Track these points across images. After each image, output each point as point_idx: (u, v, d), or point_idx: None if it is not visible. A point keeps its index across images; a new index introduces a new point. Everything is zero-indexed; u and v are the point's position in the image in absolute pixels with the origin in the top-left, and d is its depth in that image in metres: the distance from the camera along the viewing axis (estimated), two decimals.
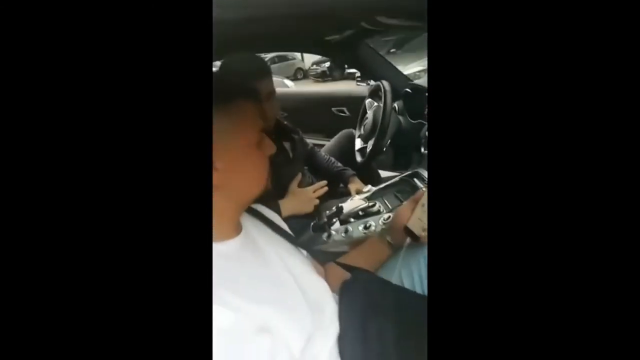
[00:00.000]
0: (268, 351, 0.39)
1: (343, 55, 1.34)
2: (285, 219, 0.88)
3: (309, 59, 10.60)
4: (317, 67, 9.92)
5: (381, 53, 1.31)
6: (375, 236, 0.74)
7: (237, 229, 0.50)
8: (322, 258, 0.71)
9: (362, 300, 0.51)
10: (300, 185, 1.02)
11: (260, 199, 0.61)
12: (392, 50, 7.17)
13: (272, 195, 0.98)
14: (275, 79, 0.95)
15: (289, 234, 0.62)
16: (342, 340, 0.47)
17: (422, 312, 0.39)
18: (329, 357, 0.45)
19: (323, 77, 9.73)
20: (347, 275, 0.62)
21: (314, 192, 0.97)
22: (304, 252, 0.63)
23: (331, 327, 0.49)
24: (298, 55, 10.75)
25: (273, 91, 0.95)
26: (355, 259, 0.69)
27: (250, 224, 0.55)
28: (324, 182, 1.01)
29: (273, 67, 9.90)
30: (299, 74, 10.57)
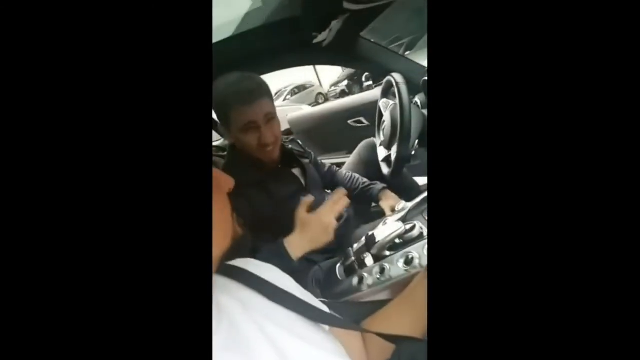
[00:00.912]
0: None
1: (344, 58, 1.18)
2: (298, 261, 0.68)
3: (327, 82, 10.73)
4: (336, 88, 9.97)
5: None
6: (422, 272, 0.52)
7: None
8: (355, 316, 0.51)
9: None
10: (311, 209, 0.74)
11: (238, 251, 0.43)
12: (407, 53, 7.06)
13: (274, 234, 0.72)
14: (295, 106, 0.81)
15: (299, 301, 0.42)
16: None
17: None
18: None
19: (343, 95, 9.73)
20: (390, 348, 0.41)
21: (330, 209, 0.68)
22: (326, 327, 0.43)
23: None
24: (315, 81, 10.97)
25: (272, 113, 0.81)
26: (398, 315, 0.48)
27: (228, 298, 0.37)
28: (341, 190, 0.72)
29: (294, 98, 10.16)
30: (320, 99, 10.68)
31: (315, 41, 0.94)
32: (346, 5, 0.72)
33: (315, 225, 0.67)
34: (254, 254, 0.55)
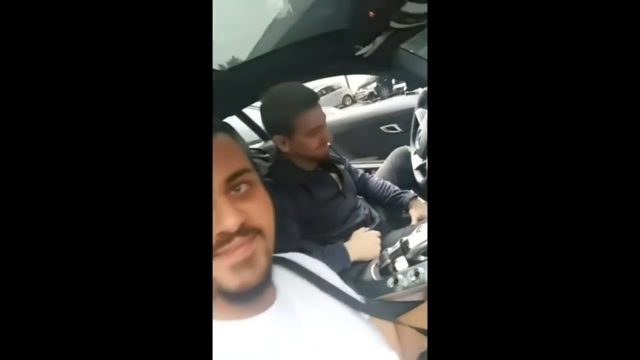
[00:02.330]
0: None
1: (381, 68, 1.22)
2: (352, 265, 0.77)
3: (355, 84, 10.70)
4: (364, 90, 9.93)
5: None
6: None
7: (269, 297, 0.39)
8: (390, 314, 0.56)
9: None
10: (360, 225, 0.94)
11: (287, 245, 0.49)
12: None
13: (332, 236, 0.88)
14: (324, 109, 0.88)
15: (342, 292, 0.48)
16: None
17: None
18: None
19: (371, 98, 9.68)
20: (423, 342, 0.46)
21: (378, 237, 0.89)
22: (366, 316, 0.48)
23: None
24: (343, 83, 10.96)
25: (323, 120, 0.87)
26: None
27: (285, 284, 0.43)
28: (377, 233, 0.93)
29: (322, 99, 10.17)
30: (347, 101, 10.68)
31: (357, 54, 0.99)
32: (393, 24, 0.77)
33: (370, 240, 0.87)
34: (301, 250, 0.60)
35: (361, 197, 1.12)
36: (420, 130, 1.12)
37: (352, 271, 0.83)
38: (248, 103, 1.29)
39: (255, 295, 0.34)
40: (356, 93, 10.41)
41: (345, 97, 10.64)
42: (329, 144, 0.90)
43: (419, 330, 0.46)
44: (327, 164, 1.01)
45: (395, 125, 1.65)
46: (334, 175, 1.00)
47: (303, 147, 0.87)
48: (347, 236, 0.90)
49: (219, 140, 0.34)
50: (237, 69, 1.10)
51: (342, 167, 1.05)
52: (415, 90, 1.42)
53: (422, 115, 1.13)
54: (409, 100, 1.52)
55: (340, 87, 10.80)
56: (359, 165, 1.33)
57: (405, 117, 1.49)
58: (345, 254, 0.82)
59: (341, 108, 8.68)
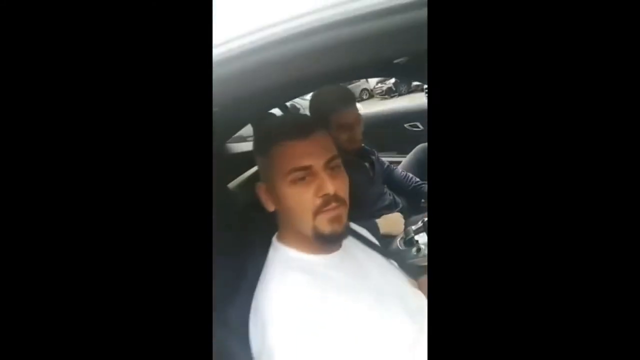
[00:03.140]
0: (374, 346, 0.44)
1: (409, 74, 1.37)
2: (382, 237, 0.95)
3: (373, 78, 10.72)
4: (382, 85, 9.96)
5: None
6: None
7: (338, 246, 0.57)
8: (414, 272, 0.74)
9: None
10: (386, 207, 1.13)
11: (358, 220, 0.68)
12: None
13: (366, 215, 1.06)
14: None
15: (382, 249, 0.67)
16: None
17: None
18: None
19: (389, 93, 9.72)
20: None
21: (402, 218, 1.08)
22: (395, 264, 0.67)
23: None
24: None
25: (354, 119, 1.05)
26: None
27: (348, 242, 0.61)
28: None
29: None
30: (365, 95, 10.74)
31: (395, 61, 1.14)
32: None
33: (396, 219, 1.06)
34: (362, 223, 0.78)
35: (385, 185, 1.30)
36: None
37: (381, 243, 1.01)
38: (290, 98, 1.47)
39: (335, 240, 0.52)
40: (374, 87, 10.44)
41: (362, 91, 10.67)
42: (360, 141, 1.08)
43: None
44: (362, 154, 1.19)
45: (419, 124, 1.80)
46: (366, 164, 1.18)
47: (336, 139, 1.06)
48: (376, 216, 1.08)
49: (319, 134, 0.52)
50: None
51: (373, 157, 1.23)
52: None
53: None
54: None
55: (359, 81, 10.83)
56: (383, 159, 1.49)
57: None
58: (376, 227, 1.00)
59: (359, 101, 8.73)
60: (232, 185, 1.12)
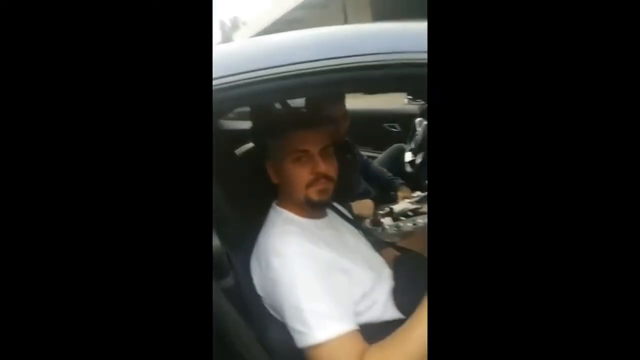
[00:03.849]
0: (347, 282, 0.61)
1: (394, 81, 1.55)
2: (354, 217, 1.14)
3: None
4: None
5: None
6: (421, 229, 0.93)
7: (324, 213, 0.74)
8: (377, 245, 0.93)
9: (411, 267, 0.72)
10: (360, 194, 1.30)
11: (339, 202, 0.84)
12: None
13: (344, 198, 1.24)
14: None
15: (356, 223, 0.85)
16: (395, 292, 0.68)
17: None
18: (385, 301, 0.66)
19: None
20: (397, 254, 0.83)
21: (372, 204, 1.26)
22: (364, 237, 0.85)
23: (386, 284, 0.69)
24: None
25: (347, 113, 1.21)
26: (406, 245, 0.89)
27: (332, 214, 0.78)
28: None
29: None
30: None
31: None
32: None
33: (368, 205, 1.22)
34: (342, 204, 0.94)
35: (361, 175, 1.48)
36: (417, 134, 1.47)
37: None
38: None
39: (321, 207, 0.69)
40: None
41: None
42: (346, 134, 1.24)
43: (397, 247, 0.83)
44: (346, 147, 1.35)
45: (396, 125, 2.00)
46: (349, 156, 1.35)
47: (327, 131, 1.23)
48: (352, 200, 1.26)
49: (319, 128, 0.67)
50: None
51: (355, 151, 1.40)
52: (418, 101, 1.77)
53: (420, 124, 1.49)
54: (411, 107, 1.87)
55: None
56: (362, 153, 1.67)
57: (405, 119, 1.83)
58: (351, 209, 1.17)
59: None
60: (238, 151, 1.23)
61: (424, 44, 0.36)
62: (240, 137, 1.25)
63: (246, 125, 1.32)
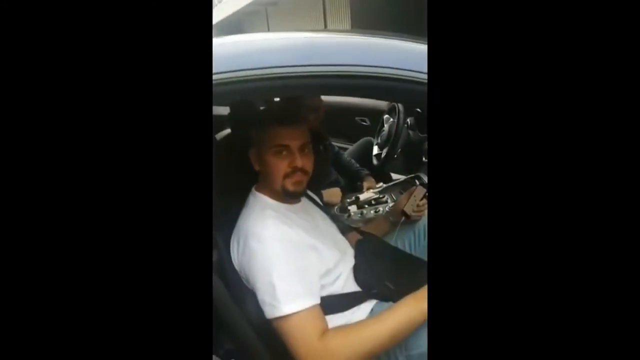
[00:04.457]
0: (315, 259, 0.72)
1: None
2: (324, 203, 1.26)
3: None
4: None
5: None
6: (382, 217, 1.06)
7: (298, 200, 0.84)
8: (343, 229, 1.05)
9: (370, 249, 0.84)
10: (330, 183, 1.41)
11: (311, 189, 0.94)
12: None
13: (316, 186, 1.34)
14: None
15: (325, 209, 0.96)
16: (356, 269, 0.80)
17: (407, 258, 0.70)
18: (347, 277, 0.78)
19: None
20: (360, 237, 0.95)
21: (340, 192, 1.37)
22: (332, 221, 0.96)
23: (349, 262, 0.81)
24: None
25: (322, 102, 1.30)
26: (368, 230, 1.02)
27: (305, 200, 0.88)
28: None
29: None
30: None
31: None
32: None
33: (336, 193, 1.33)
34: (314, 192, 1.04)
35: (332, 166, 1.59)
36: (384, 130, 1.60)
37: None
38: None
39: (296, 196, 0.79)
40: None
41: None
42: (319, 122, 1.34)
43: (359, 231, 0.95)
44: (318, 136, 1.45)
45: (367, 119, 2.12)
46: (322, 147, 1.45)
47: (304, 118, 1.32)
48: (322, 188, 1.36)
49: (300, 125, 0.76)
50: None
51: (327, 142, 1.50)
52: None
53: (387, 120, 1.62)
54: (381, 103, 1.99)
55: None
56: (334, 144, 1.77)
57: (375, 114, 1.95)
58: (320, 197, 1.28)
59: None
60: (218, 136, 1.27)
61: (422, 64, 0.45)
62: (218, 122, 1.30)
63: (223, 110, 1.36)
